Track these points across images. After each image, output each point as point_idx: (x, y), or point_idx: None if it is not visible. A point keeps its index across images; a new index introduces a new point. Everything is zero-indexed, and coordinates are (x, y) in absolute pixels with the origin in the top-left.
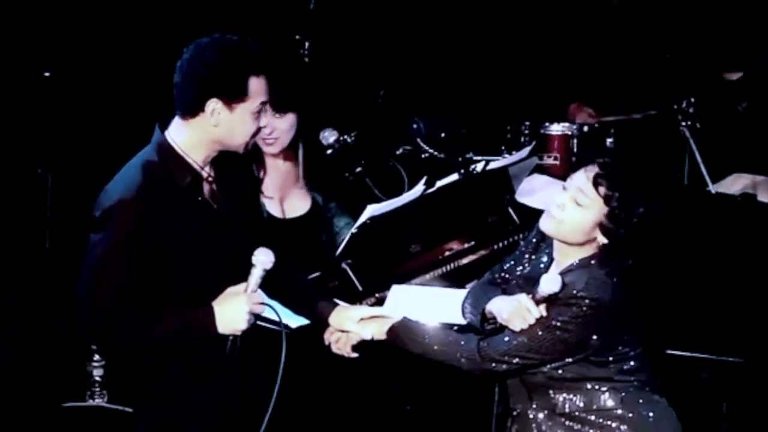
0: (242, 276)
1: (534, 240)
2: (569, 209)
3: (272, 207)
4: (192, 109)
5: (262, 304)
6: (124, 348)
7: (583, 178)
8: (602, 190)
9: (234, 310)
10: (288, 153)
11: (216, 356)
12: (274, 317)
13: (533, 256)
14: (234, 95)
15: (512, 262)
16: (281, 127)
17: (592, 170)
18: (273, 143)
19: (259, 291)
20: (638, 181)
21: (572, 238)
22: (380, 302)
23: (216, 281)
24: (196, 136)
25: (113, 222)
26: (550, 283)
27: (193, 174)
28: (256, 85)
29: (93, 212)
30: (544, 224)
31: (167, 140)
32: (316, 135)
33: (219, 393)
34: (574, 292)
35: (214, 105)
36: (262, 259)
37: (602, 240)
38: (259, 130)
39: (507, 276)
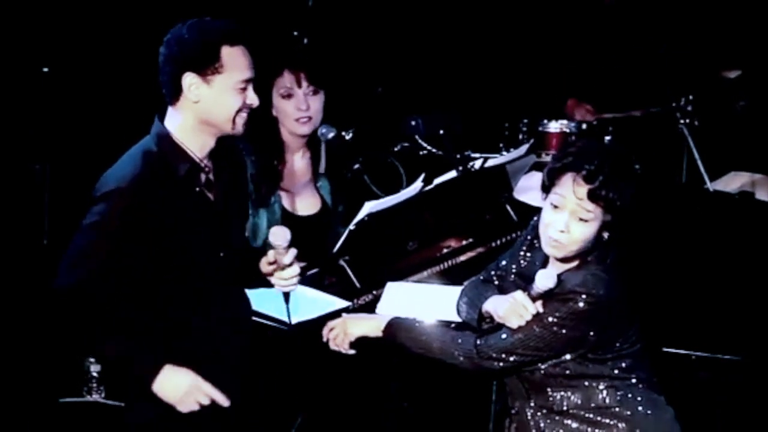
0: (233, 267)
1: (529, 237)
2: (574, 228)
3: (286, 202)
4: (174, 91)
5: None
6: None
7: (577, 196)
8: (602, 202)
9: (179, 383)
10: (306, 150)
11: (213, 351)
12: (276, 314)
13: (528, 254)
14: (204, 65)
15: (507, 260)
16: (315, 106)
17: (582, 185)
18: (306, 122)
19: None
20: (625, 173)
21: (583, 249)
22: (377, 299)
23: (208, 273)
24: (185, 120)
25: (105, 208)
26: (545, 279)
27: (190, 163)
28: (233, 57)
29: (91, 195)
30: (553, 251)
31: (165, 130)
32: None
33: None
34: (571, 287)
35: (190, 80)
36: (279, 234)
37: (605, 235)
38: (250, 109)
39: (502, 274)
